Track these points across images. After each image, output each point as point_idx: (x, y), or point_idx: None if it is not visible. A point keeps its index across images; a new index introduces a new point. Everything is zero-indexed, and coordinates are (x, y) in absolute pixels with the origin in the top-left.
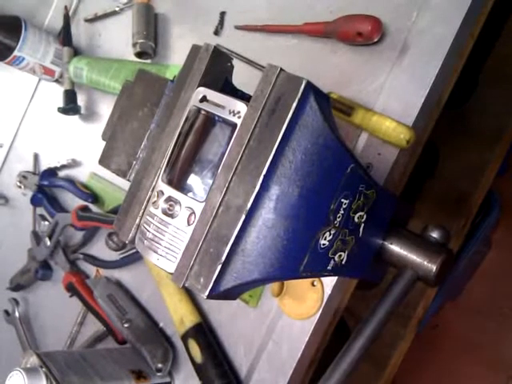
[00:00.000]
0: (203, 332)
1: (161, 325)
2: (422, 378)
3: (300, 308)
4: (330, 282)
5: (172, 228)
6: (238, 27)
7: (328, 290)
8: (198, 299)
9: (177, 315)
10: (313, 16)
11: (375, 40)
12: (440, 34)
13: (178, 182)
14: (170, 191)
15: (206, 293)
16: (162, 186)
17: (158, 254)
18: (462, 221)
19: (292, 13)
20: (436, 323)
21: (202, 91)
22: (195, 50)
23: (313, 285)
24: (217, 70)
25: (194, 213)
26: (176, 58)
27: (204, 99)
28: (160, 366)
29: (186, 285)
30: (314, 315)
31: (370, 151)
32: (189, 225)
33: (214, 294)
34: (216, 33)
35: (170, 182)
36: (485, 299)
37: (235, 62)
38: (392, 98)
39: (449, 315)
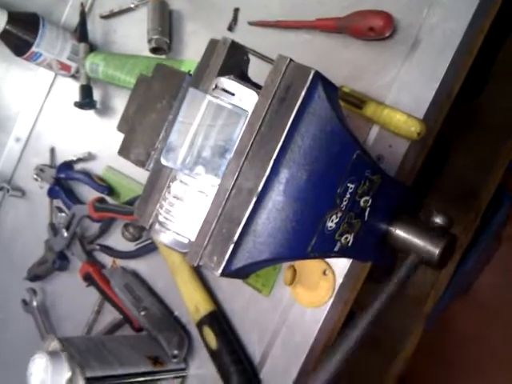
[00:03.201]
0: (218, 319)
1: (176, 313)
2: (432, 372)
3: (312, 296)
4: (341, 271)
5: (183, 210)
6: (251, 23)
7: (339, 279)
8: (212, 288)
9: (192, 303)
10: (325, 12)
11: (387, 35)
12: (450, 29)
13: (191, 167)
14: (181, 176)
15: (219, 271)
16: (175, 171)
17: (168, 236)
18: (471, 215)
19: (304, 9)
20: (445, 317)
21: (215, 80)
22: (213, 43)
23: (324, 274)
24: (233, 62)
25: (206, 196)
26: (190, 53)
27: (216, 87)
28: (176, 352)
29: (201, 263)
30: (325, 303)
31: (381, 143)
32: (200, 207)
33: (227, 272)
34: (230, 29)
35: (182, 168)
36: (495, 294)
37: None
38: (403, 91)
39: (458, 310)
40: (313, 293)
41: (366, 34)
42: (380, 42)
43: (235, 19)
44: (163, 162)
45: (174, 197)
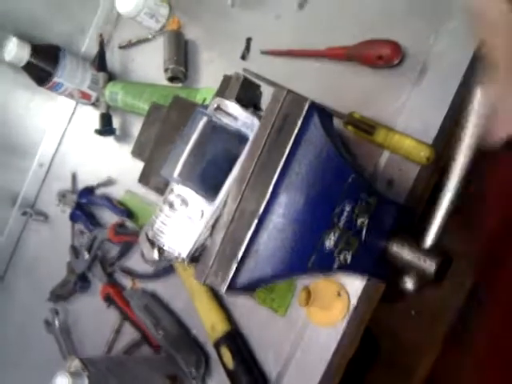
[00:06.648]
0: (234, 339)
1: (194, 332)
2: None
3: (327, 316)
4: (355, 292)
5: (176, 221)
6: (263, 52)
7: (354, 301)
8: (229, 308)
9: (209, 323)
10: (335, 40)
11: (395, 63)
12: (457, 55)
13: (185, 180)
14: (179, 189)
15: (224, 288)
16: (175, 187)
17: (159, 247)
18: None
19: (315, 37)
20: (467, 327)
21: (218, 101)
22: (226, 79)
23: (339, 295)
24: (247, 97)
25: (201, 211)
26: (205, 81)
27: (219, 108)
28: (194, 371)
29: (207, 282)
30: (340, 322)
31: (391, 168)
32: (193, 223)
33: (231, 290)
34: (243, 57)
35: (177, 180)
36: None
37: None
38: (412, 117)
39: (480, 318)
40: (327, 313)
41: (374, 62)
42: (389, 70)
43: (248, 48)
44: (162, 173)
45: (170, 206)
